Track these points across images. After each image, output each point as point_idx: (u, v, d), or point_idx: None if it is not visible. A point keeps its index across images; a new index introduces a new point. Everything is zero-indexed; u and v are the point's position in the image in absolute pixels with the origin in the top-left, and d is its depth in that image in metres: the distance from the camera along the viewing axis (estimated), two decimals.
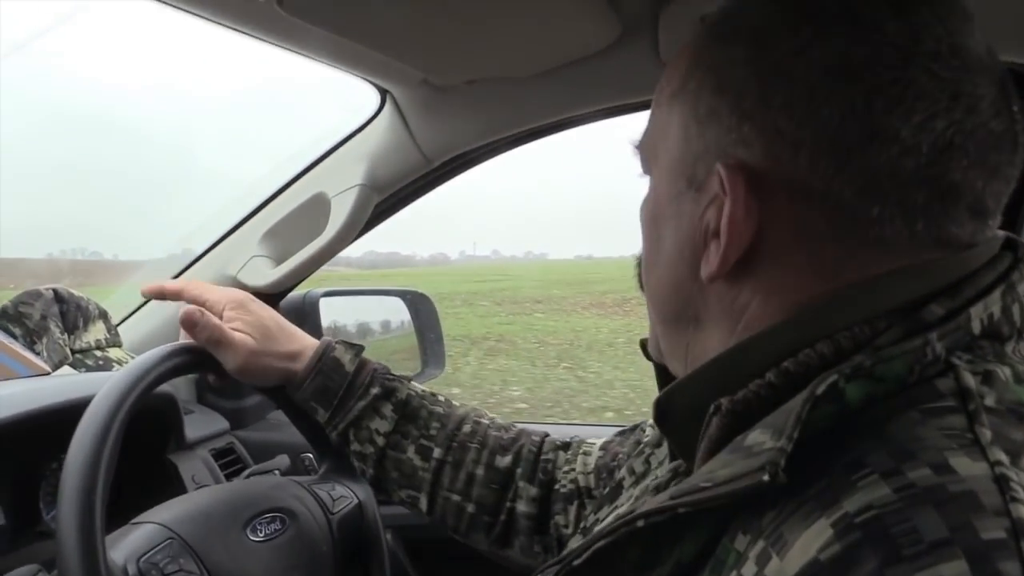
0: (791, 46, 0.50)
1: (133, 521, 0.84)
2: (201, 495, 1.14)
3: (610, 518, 0.70)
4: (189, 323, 0.87)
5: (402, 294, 1.73)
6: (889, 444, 0.43)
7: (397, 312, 1.74)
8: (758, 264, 0.52)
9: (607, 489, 0.79)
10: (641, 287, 0.64)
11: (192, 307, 0.89)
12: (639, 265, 0.64)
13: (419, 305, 1.71)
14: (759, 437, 0.46)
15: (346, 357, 0.92)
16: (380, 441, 0.92)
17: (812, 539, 0.41)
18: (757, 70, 0.51)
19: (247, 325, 0.91)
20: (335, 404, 0.91)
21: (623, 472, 0.78)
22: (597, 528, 0.63)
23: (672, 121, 0.57)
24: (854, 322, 0.49)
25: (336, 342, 0.93)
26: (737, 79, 0.52)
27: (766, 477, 0.43)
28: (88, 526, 0.70)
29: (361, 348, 0.94)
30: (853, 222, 0.49)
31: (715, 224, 0.53)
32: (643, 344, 0.68)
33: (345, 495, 0.97)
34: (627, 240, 0.75)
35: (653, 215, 0.59)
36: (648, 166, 0.61)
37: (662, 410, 0.57)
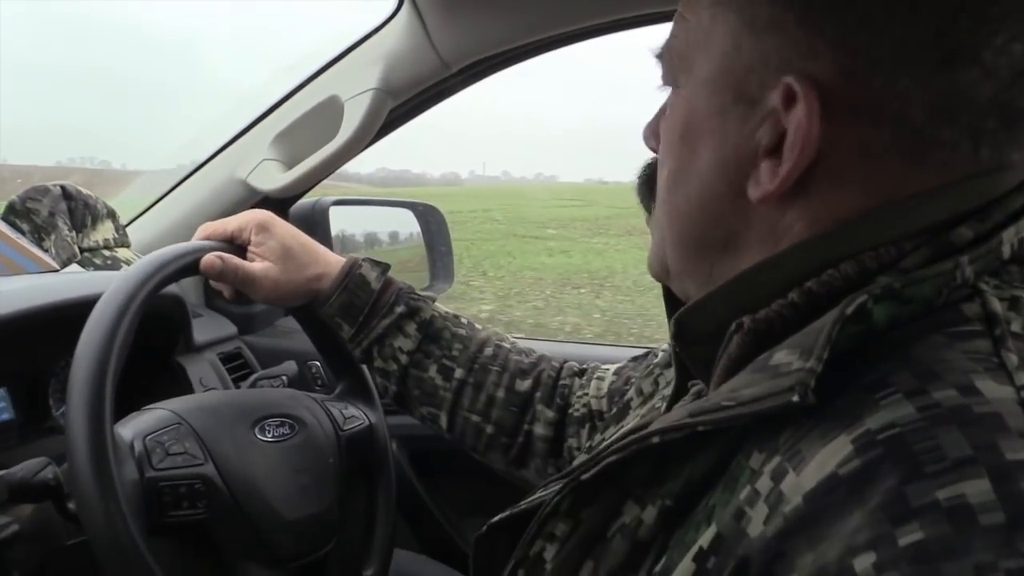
0: None
1: (143, 408, 0.85)
2: (212, 394, 1.16)
3: (615, 436, 0.70)
4: (212, 271, 0.88)
5: (412, 205, 1.71)
6: (913, 365, 0.42)
7: (406, 224, 1.72)
8: (813, 185, 0.49)
9: (615, 410, 0.79)
10: (646, 207, 0.62)
11: (211, 254, 0.88)
12: (645, 183, 0.62)
13: (429, 217, 1.69)
14: (786, 357, 0.45)
15: (372, 275, 0.93)
16: (403, 359, 0.93)
17: (831, 454, 0.40)
18: None
19: (270, 251, 0.91)
20: (360, 321, 0.92)
21: (631, 392, 0.78)
22: (604, 444, 0.62)
23: (715, 29, 0.52)
24: (880, 242, 0.48)
25: (362, 259, 0.93)
26: None
27: (796, 398, 0.42)
28: (96, 412, 0.71)
29: (387, 267, 0.94)
30: (921, 145, 0.47)
31: (769, 141, 0.50)
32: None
33: (356, 415, 0.97)
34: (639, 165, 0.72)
35: (685, 130, 0.55)
36: (675, 77, 0.56)
37: (681, 327, 0.56)
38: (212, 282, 0.92)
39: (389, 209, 1.78)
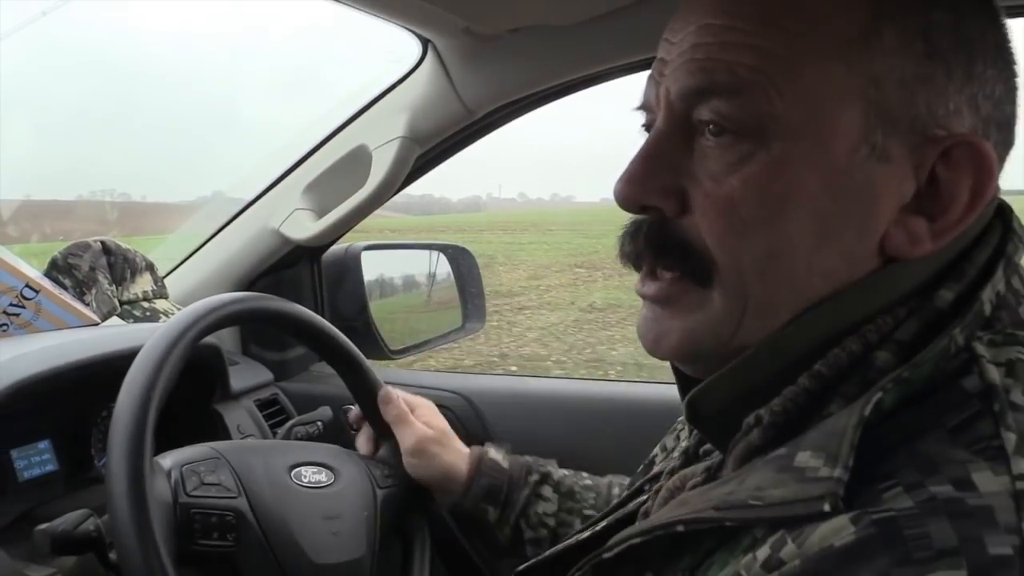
0: (986, 18, 0.51)
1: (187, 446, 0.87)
2: (251, 440, 1.17)
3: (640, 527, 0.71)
4: (385, 399, 0.98)
5: (443, 248, 1.72)
6: (917, 460, 0.43)
7: (439, 267, 1.73)
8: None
9: (641, 467, 0.79)
10: (698, 279, 0.53)
11: (390, 388, 0.99)
12: (667, 248, 0.54)
13: (459, 259, 1.71)
14: (811, 460, 0.46)
15: (499, 455, 0.97)
16: (551, 522, 0.95)
17: (830, 532, 0.42)
18: (962, 39, 0.49)
19: (430, 424, 0.99)
20: (503, 500, 0.94)
21: (656, 449, 0.78)
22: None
23: (850, 81, 0.48)
24: (875, 311, 0.50)
25: (487, 446, 0.98)
26: (944, 46, 0.49)
27: (827, 507, 0.43)
28: (135, 459, 0.73)
29: (509, 446, 0.99)
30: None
31: (910, 196, 0.50)
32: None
33: (395, 475, 0.98)
34: None
35: (796, 191, 0.49)
36: (761, 125, 0.49)
37: (695, 408, 0.56)
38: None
39: (420, 252, 1.80)
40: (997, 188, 0.51)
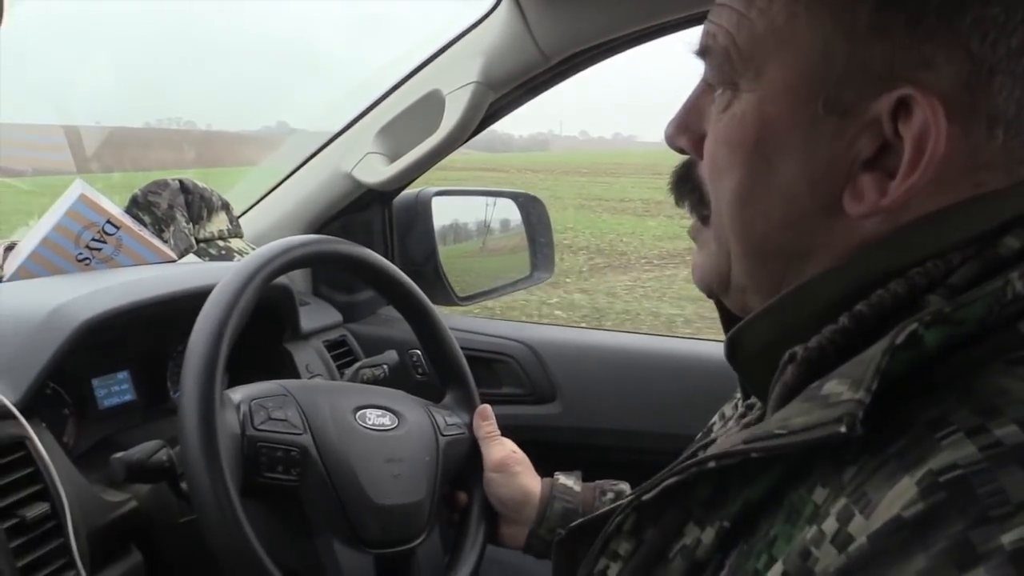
0: None
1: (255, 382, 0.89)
2: (319, 380, 1.20)
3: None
4: (484, 414, 0.99)
5: (514, 196, 1.71)
6: (973, 400, 0.41)
7: (510, 213, 1.72)
8: (922, 195, 0.48)
9: (700, 435, 0.78)
10: (696, 211, 0.58)
11: (487, 406, 1.01)
12: (683, 182, 0.59)
13: (530, 208, 1.69)
14: (836, 387, 0.45)
15: (570, 480, 0.95)
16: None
17: (896, 497, 0.40)
18: None
19: (515, 450, 0.98)
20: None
21: (715, 417, 0.77)
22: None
23: (796, 31, 0.49)
24: (926, 256, 0.47)
25: (556, 474, 0.97)
26: None
27: (843, 428, 0.42)
28: (207, 392, 0.76)
29: (579, 472, 0.98)
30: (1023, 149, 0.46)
31: (869, 153, 0.48)
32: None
33: (458, 424, 0.99)
34: None
35: (758, 141, 0.51)
36: (733, 78, 0.52)
37: (733, 346, 0.56)
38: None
39: (490, 199, 1.79)
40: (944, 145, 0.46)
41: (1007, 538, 0.36)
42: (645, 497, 0.54)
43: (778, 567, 0.44)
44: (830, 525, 0.42)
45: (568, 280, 6.42)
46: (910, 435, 0.42)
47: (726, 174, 0.53)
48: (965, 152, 0.46)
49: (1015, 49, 0.44)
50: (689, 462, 0.51)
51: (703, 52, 0.55)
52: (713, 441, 0.71)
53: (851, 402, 0.42)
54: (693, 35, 0.57)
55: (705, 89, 0.56)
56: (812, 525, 0.44)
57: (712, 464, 0.49)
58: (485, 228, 1.76)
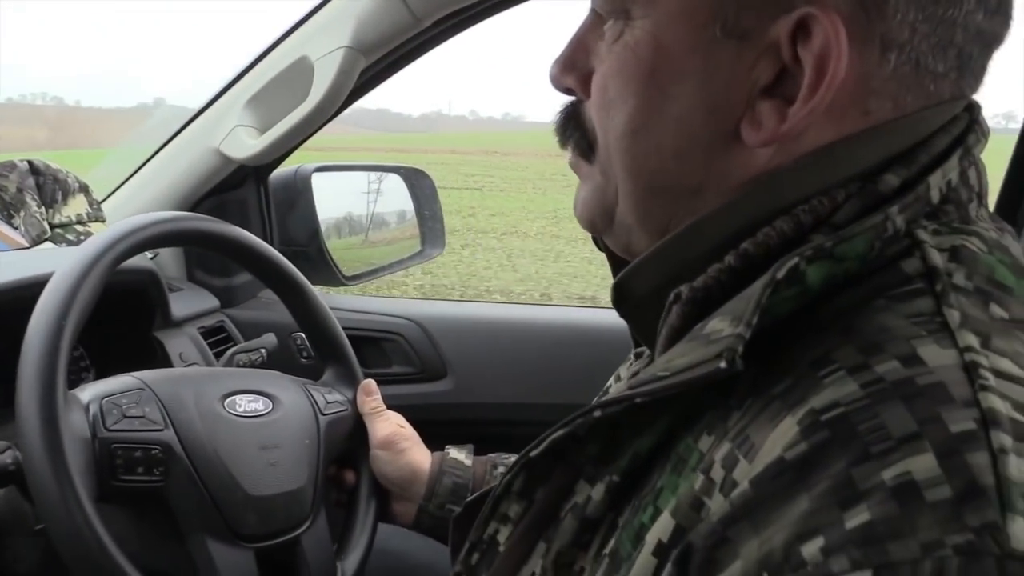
0: None
1: (108, 377, 0.83)
2: (186, 368, 1.13)
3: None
4: (367, 389, 0.97)
5: (398, 170, 1.66)
6: (856, 337, 0.41)
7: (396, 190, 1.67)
8: (811, 126, 0.47)
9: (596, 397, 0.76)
10: (579, 148, 0.56)
11: (371, 381, 0.99)
12: (568, 120, 0.57)
13: (415, 181, 1.64)
14: (718, 324, 0.44)
15: (461, 454, 0.93)
16: None
17: (778, 438, 0.39)
18: None
19: (402, 425, 0.97)
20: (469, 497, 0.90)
21: (611, 380, 0.75)
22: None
23: None
24: (812, 193, 0.46)
25: (447, 447, 0.95)
26: None
27: (723, 364, 0.41)
28: (47, 380, 0.70)
29: (471, 446, 0.95)
30: (921, 77, 0.46)
31: (767, 79, 0.46)
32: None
33: (339, 401, 0.95)
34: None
35: (652, 69, 0.49)
36: (625, 6, 0.50)
37: (621, 291, 0.54)
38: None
39: (374, 173, 1.73)
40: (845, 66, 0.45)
41: (888, 473, 0.35)
42: (533, 453, 0.52)
43: (665, 518, 0.43)
44: (717, 472, 0.42)
45: None
46: (793, 375, 0.42)
47: (617, 107, 0.51)
48: (859, 77, 0.45)
49: None
50: (575, 414, 0.49)
51: None
52: (606, 393, 0.69)
53: (731, 336, 0.42)
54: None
55: (593, 23, 0.54)
56: (699, 473, 0.43)
57: (597, 413, 0.47)
58: (388, 220, 1.70)
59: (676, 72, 0.49)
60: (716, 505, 0.41)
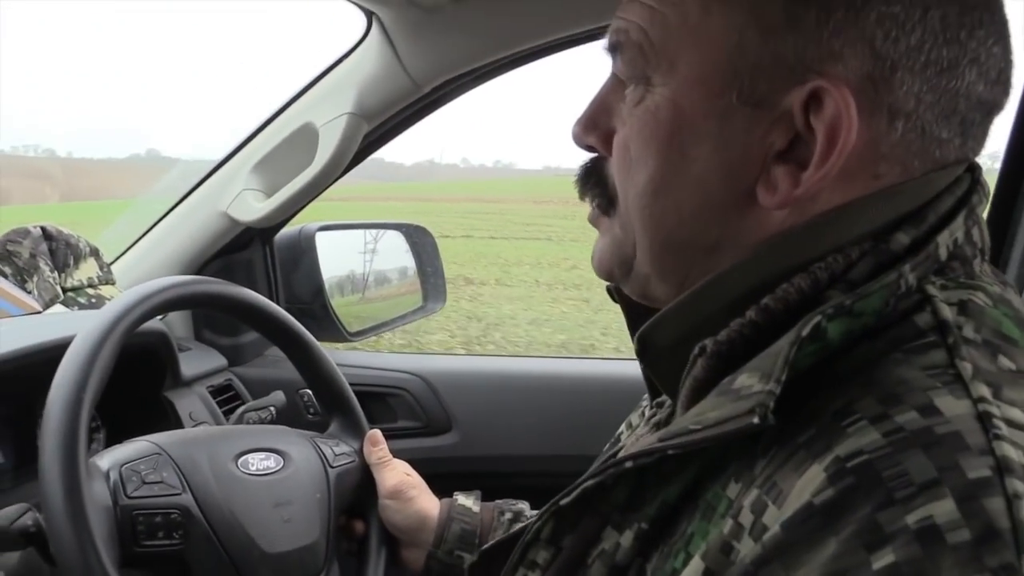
0: None
1: (124, 441, 0.85)
2: (198, 428, 1.15)
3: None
4: (374, 440, 0.98)
5: (400, 227, 1.70)
6: (876, 389, 0.43)
7: (397, 248, 1.70)
8: (824, 189, 0.50)
9: (607, 446, 0.78)
10: (599, 204, 0.59)
11: (378, 431, 1.00)
12: (590, 176, 0.60)
13: (417, 238, 1.68)
14: (747, 380, 0.46)
15: (468, 501, 0.94)
16: None
17: (806, 484, 0.41)
18: None
19: (409, 473, 0.98)
20: (478, 544, 0.91)
21: (622, 427, 0.77)
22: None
23: (712, 24, 0.50)
24: (826, 251, 0.49)
25: (456, 494, 0.95)
26: None
27: (756, 420, 0.43)
28: (69, 445, 0.71)
29: (479, 492, 0.96)
30: (927, 143, 0.49)
31: (782, 145, 0.50)
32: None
33: (347, 452, 0.96)
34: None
35: (672, 133, 0.52)
36: (646, 73, 0.53)
37: (644, 344, 0.56)
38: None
39: (376, 231, 1.77)
40: (852, 137, 0.48)
41: (911, 518, 0.37)
42: (563, 502, 0.54)
43: (696, 563, 0.45)
44: (746, 517, 0.44)
45: None
46: (817, 425, 0.44)
47: (639, 167, 0.54)
48: (868, 144, 0.48)
49: (914, 46, 0.47)
50: (605, 463, 0.51)
51: (614, 48, 0.56)
52: (617, 441, 0.71)
53: (762, 393, 0.44)
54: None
55: (614, 86, 0.57)
56: (728, 519, 0.45)
57: (629, 464, 0.49)
58: (389, 276, 1.73)
59: (695, 136, 0.51)
60: (746, 548, 0.43)
